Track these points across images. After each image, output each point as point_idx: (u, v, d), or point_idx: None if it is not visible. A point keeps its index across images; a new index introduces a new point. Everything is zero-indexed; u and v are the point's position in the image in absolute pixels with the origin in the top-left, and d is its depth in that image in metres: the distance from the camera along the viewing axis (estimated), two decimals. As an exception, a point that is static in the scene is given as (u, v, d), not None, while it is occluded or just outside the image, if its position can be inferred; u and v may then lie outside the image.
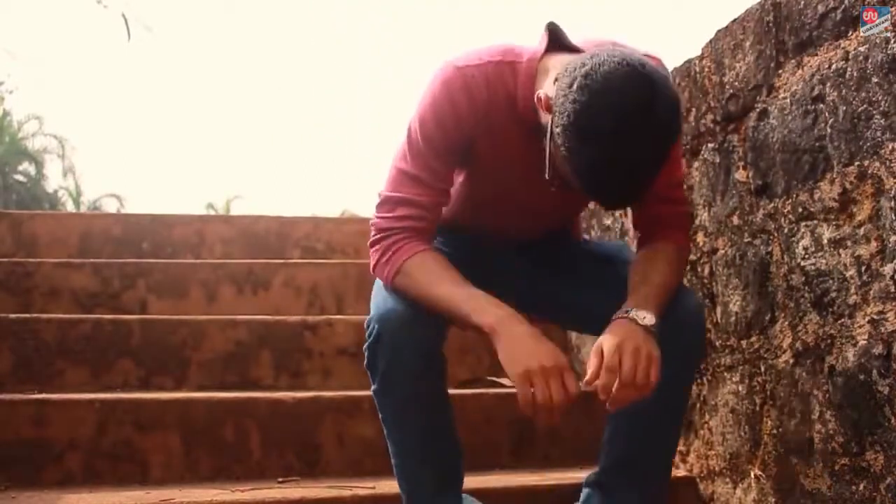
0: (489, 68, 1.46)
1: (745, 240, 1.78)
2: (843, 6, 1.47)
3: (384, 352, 1.48)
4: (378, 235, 1.52)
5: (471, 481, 1.70)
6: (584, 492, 1.67)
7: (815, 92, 1.53)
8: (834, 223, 1.50)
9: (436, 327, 1.51)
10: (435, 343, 1.51)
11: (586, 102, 1.25)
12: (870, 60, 1.39)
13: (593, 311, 1.52)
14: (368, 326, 1.52)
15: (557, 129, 1.30)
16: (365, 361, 1.53)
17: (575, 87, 1.26)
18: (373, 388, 1.54)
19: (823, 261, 1.53)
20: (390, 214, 1.51)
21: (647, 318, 1.40)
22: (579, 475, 1.86)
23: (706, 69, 1.91)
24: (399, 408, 1.54)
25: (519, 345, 1.37)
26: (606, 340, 1.37)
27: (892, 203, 1.35)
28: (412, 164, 1.50)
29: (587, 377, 1.36)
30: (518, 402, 1.36)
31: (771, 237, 1.69)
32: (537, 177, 1.42)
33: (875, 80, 1.38)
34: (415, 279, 1.47)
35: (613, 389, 1.34)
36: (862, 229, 1.43)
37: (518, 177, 1.55)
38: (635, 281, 1.50)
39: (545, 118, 1.38)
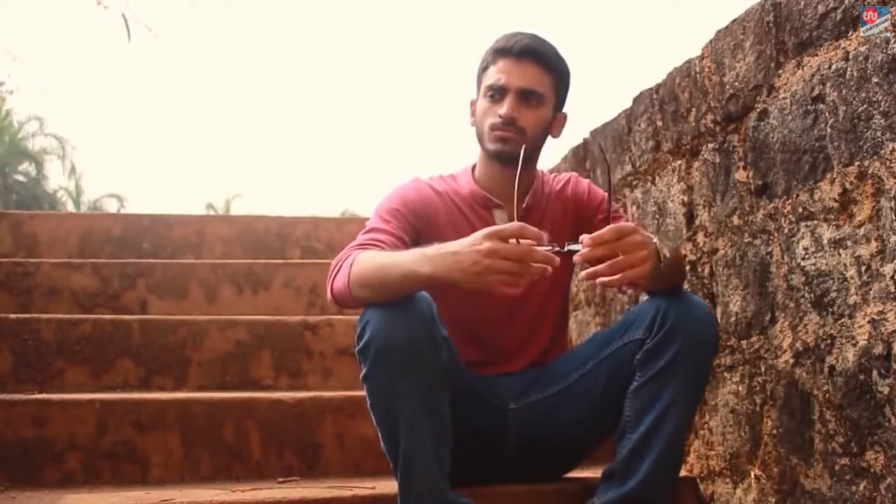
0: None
1: (745, 240, 1.78)
2: (843, 6, 1.47)
3: (375, 327, 1.47)
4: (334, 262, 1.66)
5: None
6: (601, 486, 1.66)
7: (815, 92, 1.53)
8: (834, 223, 1.49)
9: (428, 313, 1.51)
10: (427, 319, 1.50)
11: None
12: (870, 60, 1.39)
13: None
14: (359, 325, 1.52)
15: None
16: (356, 348, 1.51)
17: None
18: (363, 373, 1.51)
19: (823, 261, 1.52)
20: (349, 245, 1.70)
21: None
22: (583, 475, 1.86)
23: (706, 69, 1.91)
24: (390, 385, 1.48)
25: (455, 266, 1.41)
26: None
27: (892, 203, 1.35)
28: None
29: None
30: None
31: (771, 237, 1.69)
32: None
33: (875, 80, 1.38)
34: (366, 268, 1.55)
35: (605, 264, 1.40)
36: (862, 229, 1.43)
37: None
38: None
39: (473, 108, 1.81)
